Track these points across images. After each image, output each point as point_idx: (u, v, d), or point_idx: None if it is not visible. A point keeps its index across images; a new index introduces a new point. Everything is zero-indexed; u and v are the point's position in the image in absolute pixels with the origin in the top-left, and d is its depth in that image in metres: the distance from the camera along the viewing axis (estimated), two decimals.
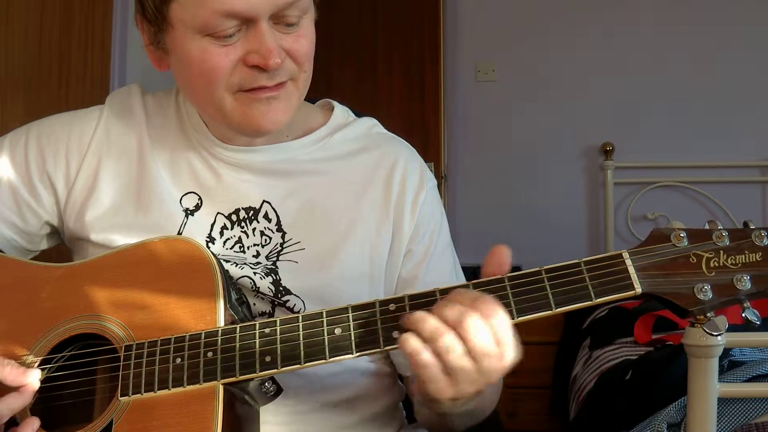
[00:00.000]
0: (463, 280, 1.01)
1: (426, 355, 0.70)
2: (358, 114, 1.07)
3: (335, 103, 1.06)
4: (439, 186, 1.26)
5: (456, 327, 0.69)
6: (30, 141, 0.98)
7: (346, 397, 0.96)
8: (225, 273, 0.85)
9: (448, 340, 0.69)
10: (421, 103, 3.18)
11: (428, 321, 0.70)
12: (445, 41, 3.23)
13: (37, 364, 0.84)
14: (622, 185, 3.26)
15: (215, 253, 0.89)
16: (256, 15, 0.83)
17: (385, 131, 1.06)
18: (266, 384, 0.80)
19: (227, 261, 0.93)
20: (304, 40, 0.88)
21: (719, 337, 1.09)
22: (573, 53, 3.30)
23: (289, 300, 0.93)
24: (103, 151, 0.97)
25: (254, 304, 0.93)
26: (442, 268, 1.00)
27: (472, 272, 1.04)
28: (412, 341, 0.70)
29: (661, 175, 3.22)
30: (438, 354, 0.69)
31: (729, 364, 1.53)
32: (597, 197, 3.32)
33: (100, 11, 2.38)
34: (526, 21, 3.34)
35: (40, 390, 0.84)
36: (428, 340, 0.70)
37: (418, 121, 3.15)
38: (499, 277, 0.76)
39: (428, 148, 3.08)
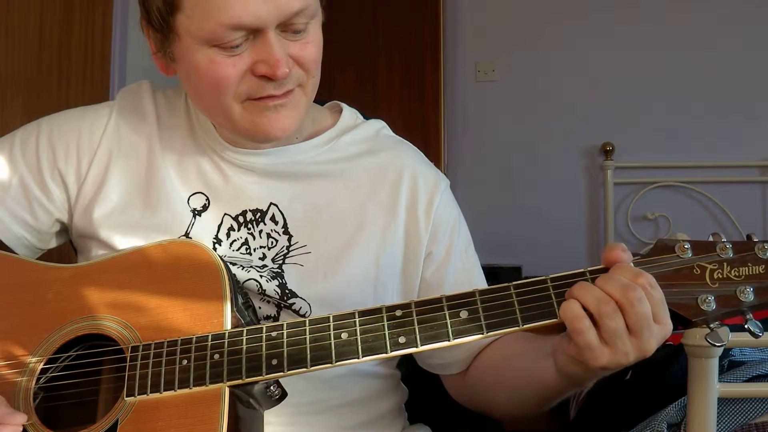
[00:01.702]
0: (484, 281, 1.01)
1: (586, 322, 0.71)
2: (367, 117, 1.07)
3: (344, 105, 1.06)
4: None
5: (619, 298, 0.71)
6: (41, 137, 0.98)
7: (349, 399, 0.96)
8: (233, 277, 0.85)
9: (610, 309, 0.71)
10: (421, 103, 3.18)
11: (592, 290, 0.72)
12: (445, 41, 3.24)
13: (42, 364, 0.84)
14: (622, 185, 3.26)
15: (221, 254, 0.90)
16: (264, 26, 0.83)
17: (393, 134, 1.06)
18: (271, 388, 0.80)
19: (234, 264, 0.93)
20: (311, 46, 0.88)
21: None
22: (573, 53, 3.30)
23: (295, 303, 0.93)
24: (113, 148, 0.97)
25: (260, 308, 0.93)
26: (467, 267, 1.01)
27: None
28: (573, 307, 0.72)
29: (661, 175, 3.23)
30: (599, 322, 0.71)
31: (729, 364, 1.52)
32: (597, 197, 3.32)
33: (100, 11, 2.38)
34: (526, 21, 3.34)
35: (46, 389, 0.84)
36: (590, 308, 0.72)
37: (418, 121, 3.15)
38: (505, 285, 0.76)
39: (428, 148, 3.08)
